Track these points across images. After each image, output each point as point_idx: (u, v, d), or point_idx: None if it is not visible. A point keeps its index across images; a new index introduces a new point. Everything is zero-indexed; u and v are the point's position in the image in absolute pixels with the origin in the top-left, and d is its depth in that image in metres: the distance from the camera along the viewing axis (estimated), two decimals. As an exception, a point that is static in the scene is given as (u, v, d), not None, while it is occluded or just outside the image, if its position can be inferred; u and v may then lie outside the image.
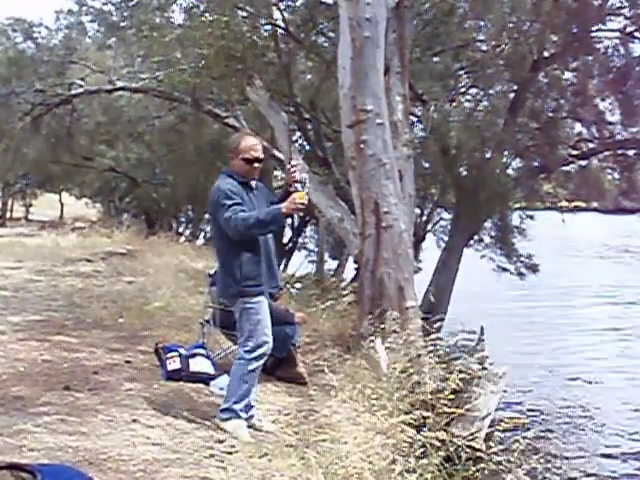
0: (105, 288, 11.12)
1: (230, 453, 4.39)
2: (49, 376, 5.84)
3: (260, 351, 4.85)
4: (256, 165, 4.96)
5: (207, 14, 12.10)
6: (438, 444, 4.56)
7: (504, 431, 4.82)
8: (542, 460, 4.59)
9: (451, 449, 4.68)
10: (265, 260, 4.91)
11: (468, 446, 4.82)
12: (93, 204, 41.69)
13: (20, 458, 3.77)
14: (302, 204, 4.58)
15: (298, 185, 4.82)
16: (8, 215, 38.64)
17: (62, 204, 42.57)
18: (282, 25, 12.72)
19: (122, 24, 15.17)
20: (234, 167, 4.99)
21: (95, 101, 20.18)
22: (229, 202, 4.72)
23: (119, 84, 17.13)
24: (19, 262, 14.55)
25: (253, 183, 5.03)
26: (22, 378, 5.69)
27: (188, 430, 4.70)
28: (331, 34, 12.88)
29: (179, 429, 4.70)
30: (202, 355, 6.13)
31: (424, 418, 5.03)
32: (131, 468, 3.93)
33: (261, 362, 4.90)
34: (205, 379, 5.91)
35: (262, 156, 5.02)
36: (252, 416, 5.04)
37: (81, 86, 17.89)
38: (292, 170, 4.87)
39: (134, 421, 4.74)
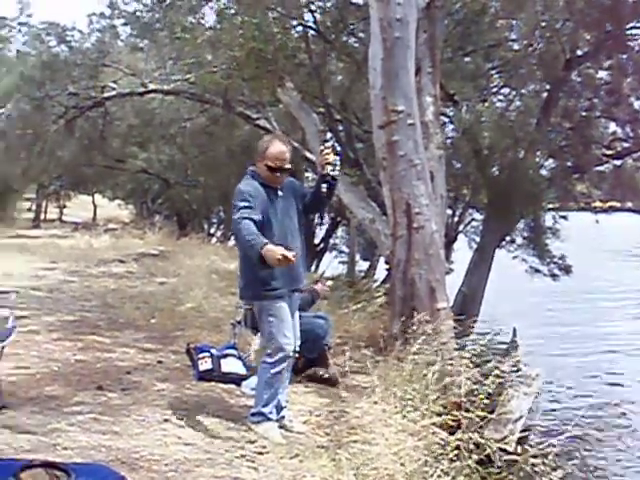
0: (137, 289, 11.21)
1: (261, 454, 4.40)
2: (82, 376, 5.89)
3: (281, 354, 4.81)
4: (278, 175, 4.87)
5: (238, 16, 12.15)
6: (471, 447, 4.52)
7: (538, 434, 4.77)
8: (577, 464, 4.53)
9: (484, 452, 4.63)
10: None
11: (501, 449, 4.77)
12: (126, 206, 42.06)
13: (54, 456, 3.81)
14: (279, 260, 4.33)
15: (329, 167, 4.80)
16: (42, 216, 39.05)
17: (95, 206, 42.97)
18: (313, 26, 12.72)
19: (154, 26, 15.27)
20: (258, 169, 4.93)
21: (127, 104, 20.35)
22: (241, 204, 4.66)
23: (151, 86, 17.23)
24: (53, 263, 14.73)
25: (280, 189, 4.96)
26: (56, 378, 5.75)
27: (219, 430, 4.71)
28: (362, 35, 12.86)
29: (210, 429, 4.72)
30: (233, 356, 6.14)
31: (456, 420, 4.99)
32: (163, 468, 3.95)
33: (284, 365, 4.84)
34: (236, 380, 5.91)
35: (288, 166, 4.90)
36: (283, 417, 5.03)
37: (114, 89, 18.03)
38: (325, 152, 4.85)
39: (166, 421, 4.77)
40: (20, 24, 30.76)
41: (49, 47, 18.91)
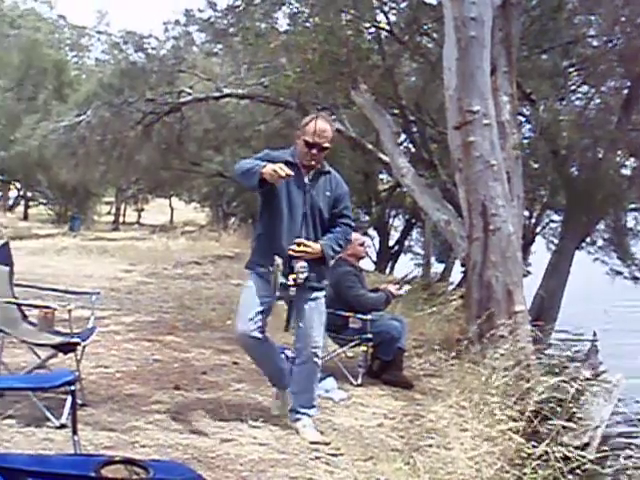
0: (214, 290, 11.37)
1: (335, 455, 4.39)
2: (160, 375, 6.01)
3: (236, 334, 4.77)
4: (314, 152, 4.59)
5: (311, 19, 12.20)
6: (548, 454, 4.41)
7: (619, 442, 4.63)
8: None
9: (562, 460, 4.51)
10: (283, 245, 4.56)
11: (579, 456, 4.64)
12: (202, 208, 42.67)
13: (132, 453, 3.89)
14: (280, 176, 4.26)
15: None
16: (121, 219, 40.04)
17: (172, 209, 43.79)
18: (386, 27, 12.67)
19: (228, 32, 15.46)
20: (297, 147, 4.74)
21: (203, 108, 20.64)
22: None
23: (226, 91, 17.44)
24: (132, 265, 15.09)
25: (309, 175, 4.70)
26: (135, 377, 5.88)
27: (294, 431, 4.72)
28: (436, 35, 12.74)
29: (285, 430, 4.73)
30: (308, 357, 6.15)
31: (533, 427, 4.89)
32: (238, 467, 3.98)
33: (245, 347, 4.78)
34: (311, 381, 5.92)
35: (327, 145, 4.62)
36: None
37: (190, 94, 18.32)
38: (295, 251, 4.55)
39: (241, 421, 4.80)
40: (99, 33, 31.74)
41: (127, 55, 19.32)
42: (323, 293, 4.84)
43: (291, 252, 4.50)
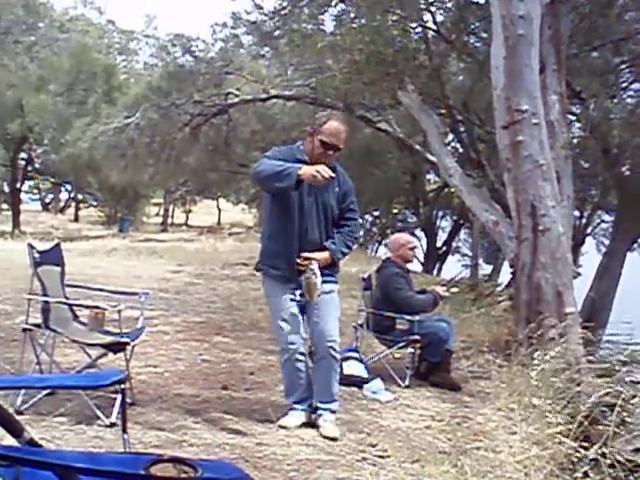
0: (261, 291, 11.39)
1: (382, 457, 4.36)
2: (208, 375, 6.06)
3: (281, 345, 4.67)
4: (330, 153, 4.54)
5: (357, 20, 12.19)
6: (600, 459, 4.33)
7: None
8: None
9: (614, 465, 4.43)
10: (295, 244, 4.57)
11: (632, 461, 4.54)
12: (249, 210, 42.99)
13: (181, 452, 3.93)
14: (324, 178, 4.18)
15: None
16: (170, 221, 40.53)
17: (219, 210, 44.18)
18: (433, 27, 12.60)
19: (275, 34, 15.54)
20: (307, 145, 4.65)
21: (250, 110, 20.79)
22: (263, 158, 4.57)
23: (273, 92, 17.56)
24: (180, 266, 15.24)
25: None
26: (183, 377, 5.94)
27: (341, 432, 4.71)
28: (483, 34, 12.63)
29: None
30: (355, 359, 6.15)
31: (584, 431, 4.80)
32: (285, 467, 3.99)
33: (286, 355, 4.64)
34: (358, 382, 5.92)
35: (342, 147, 4.57)
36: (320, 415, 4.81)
37: (237, 96, 18.49)
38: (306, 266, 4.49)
39: (289, 422, 4.81)
40: (147, 37, 32.22)
41: (175, 58, 19.53)
42: (337, 286, 4.79)
43: (299, 267, 4.49)
